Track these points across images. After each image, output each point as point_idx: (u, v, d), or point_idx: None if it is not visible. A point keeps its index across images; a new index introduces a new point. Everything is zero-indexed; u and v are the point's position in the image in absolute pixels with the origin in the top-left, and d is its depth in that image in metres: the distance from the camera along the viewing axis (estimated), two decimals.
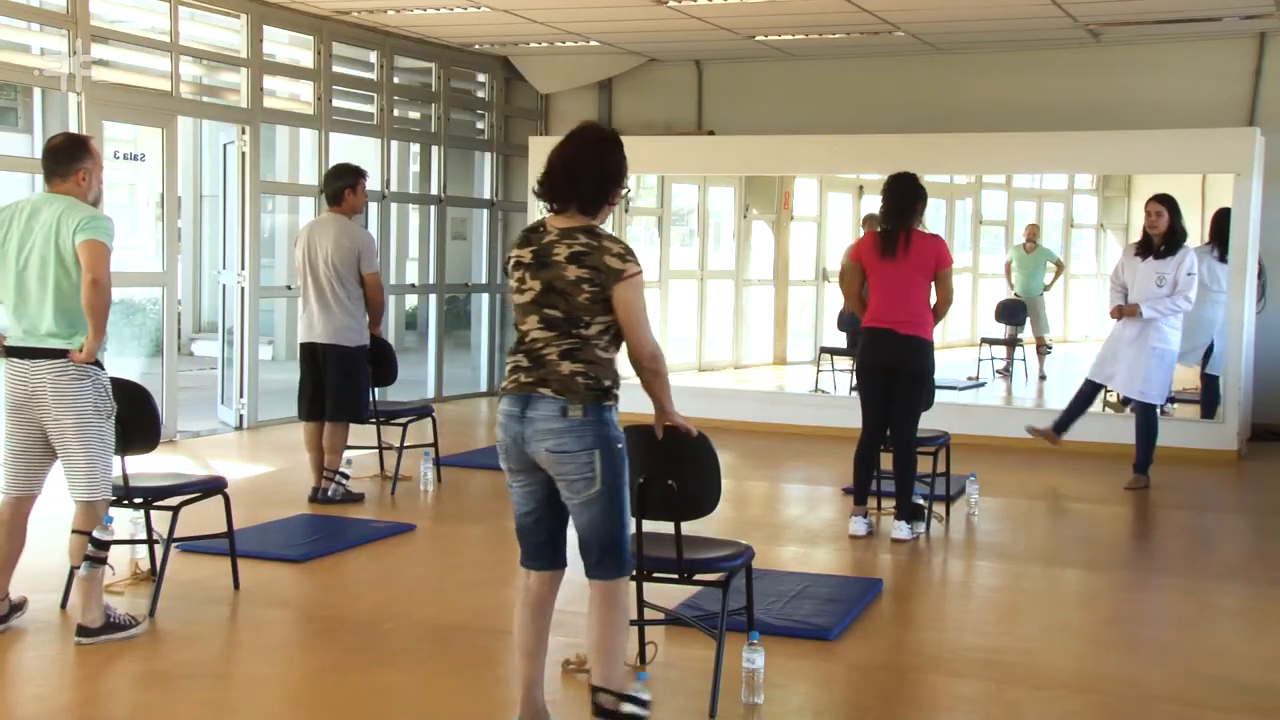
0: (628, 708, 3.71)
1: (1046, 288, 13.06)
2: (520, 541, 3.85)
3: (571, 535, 3.81)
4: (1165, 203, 7.84)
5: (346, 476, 7.39)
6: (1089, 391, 8.22)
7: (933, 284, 6.56)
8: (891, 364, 6.55)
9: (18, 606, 4.91)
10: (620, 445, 3.72)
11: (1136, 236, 8.26)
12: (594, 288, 3.66)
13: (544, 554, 3.82)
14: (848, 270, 6.84)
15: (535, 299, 3.72)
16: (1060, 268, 13.26)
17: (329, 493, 7.27)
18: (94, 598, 4.75)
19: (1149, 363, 7.82)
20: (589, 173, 3.74)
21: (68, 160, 4.78)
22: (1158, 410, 8.08)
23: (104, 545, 4.75)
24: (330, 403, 7.24)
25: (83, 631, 4.73)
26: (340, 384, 7.22)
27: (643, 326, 3.72)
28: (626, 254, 3.69)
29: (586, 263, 3.67)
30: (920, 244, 6.52)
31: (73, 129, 8.61)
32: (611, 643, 3.73)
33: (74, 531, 4.80)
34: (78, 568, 4.77)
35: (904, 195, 6.57)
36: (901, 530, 6.58)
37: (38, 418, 4.70)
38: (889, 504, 6.87)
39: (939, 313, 6.62)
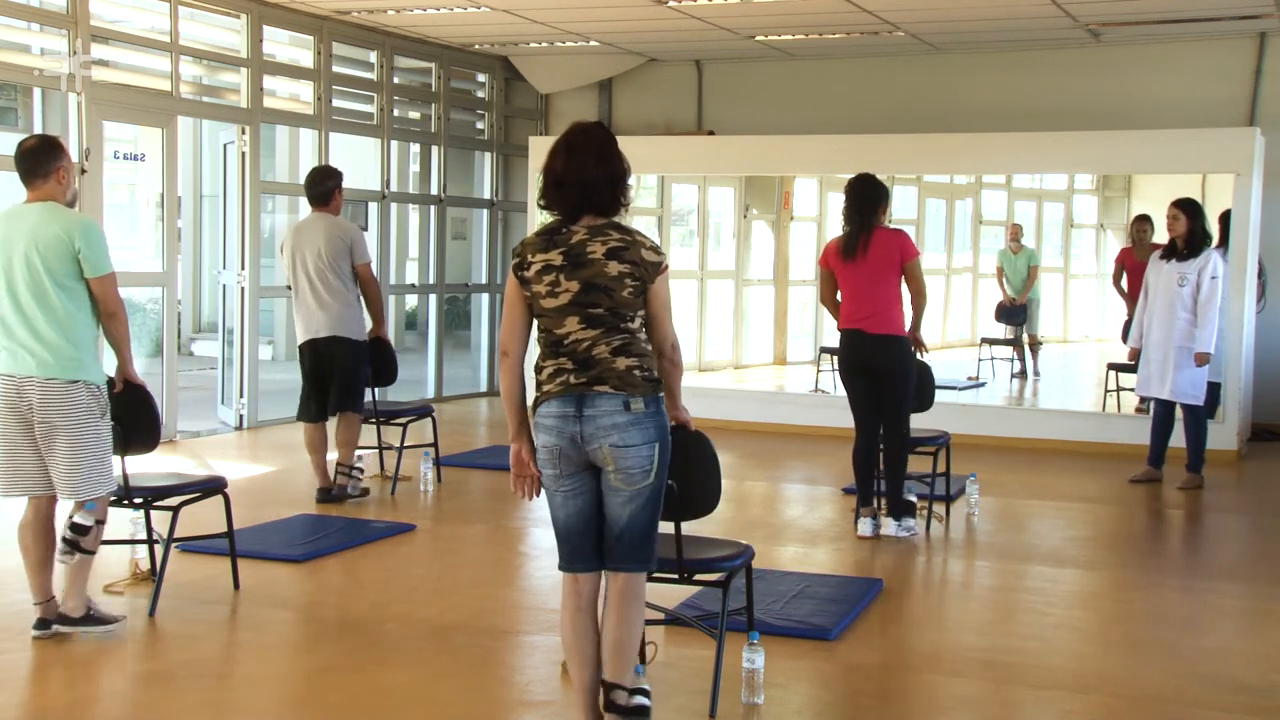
0: (638, 700, 3.75)
1: (1022, 296, 12.67)
2: (568, 545, 3.79)
3: None
4: (1183, 206, 7.91)
5: (361, 471, 7.40)
6: (1164, 412, 8.14)
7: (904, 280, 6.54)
8: (868, 365, 6.55)
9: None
10: (670, 439, 3.77)
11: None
12: (635, 282, 3.69)
13: (595, 554, 3.79)
14: (819, 277, 6.83)
15: (574, 299, 3.69)
16: (1035, 272, 13.00)
17: (348, 489, 7.27)
18: (75, 586, 4.72)
19: (1182, 363, 7.84)
20: (601, 182, 3.72)
21: (47, 160, 4.74)
22: (1202, 408, 8.08)
23: (83, 530, 4.71)
24: (337, 395, 7.22)
25: (62, 620, 4.72)
26: (347, 375, 7.21)
27: (671, 318, 3.83)
28: (658, 248, 3.78)
29: (626, 258, 3.69)
30: (881, 240, 6.49)
31: (73, 129, 8.63)
32: (632, 640, 3.75)
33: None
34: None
35: (864, 197, 6.55)
36: (890, 527, 6.59)
37: (29, 418, 4.65)
38: (884, 503, 6.86)
39: (917, 307, 6.61)
